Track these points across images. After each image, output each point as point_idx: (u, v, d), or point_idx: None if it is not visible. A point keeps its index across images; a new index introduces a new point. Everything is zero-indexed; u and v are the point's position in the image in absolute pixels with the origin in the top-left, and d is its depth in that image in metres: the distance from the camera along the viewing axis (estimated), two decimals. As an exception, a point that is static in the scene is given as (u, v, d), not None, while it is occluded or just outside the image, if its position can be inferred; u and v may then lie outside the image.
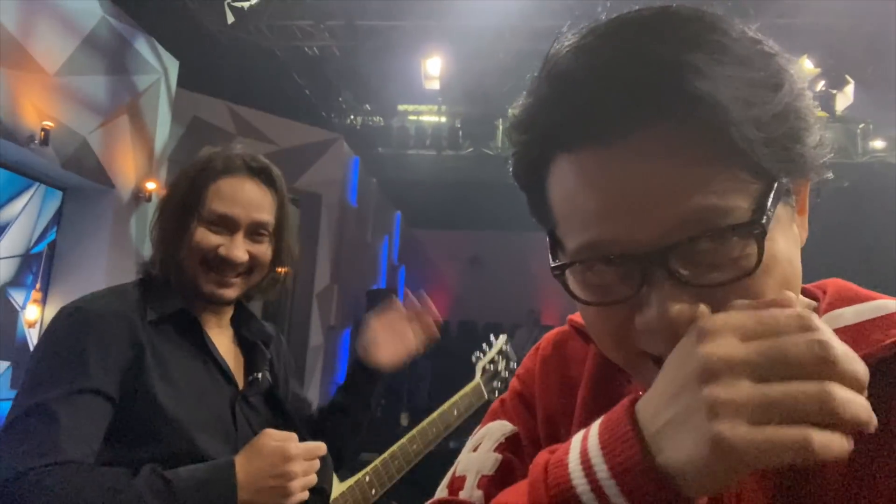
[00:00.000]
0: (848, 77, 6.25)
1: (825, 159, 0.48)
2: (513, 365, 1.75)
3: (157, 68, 5.31)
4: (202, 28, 5.50)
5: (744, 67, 0.42)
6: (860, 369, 0.35)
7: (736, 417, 0.34)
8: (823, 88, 6.45)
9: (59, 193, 4.81)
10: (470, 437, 0.68)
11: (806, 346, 0.35)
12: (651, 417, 0.38)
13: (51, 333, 1.05)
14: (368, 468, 1.37)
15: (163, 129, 5.42)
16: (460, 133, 8.47)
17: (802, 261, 0.48)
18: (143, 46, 5.13)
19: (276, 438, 1.06)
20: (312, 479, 1.09)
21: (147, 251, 1.24)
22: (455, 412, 1.52)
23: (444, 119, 9.02)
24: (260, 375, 1.22)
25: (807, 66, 6.30)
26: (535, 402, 0.66)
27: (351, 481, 1.34)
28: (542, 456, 0.44)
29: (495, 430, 0.66)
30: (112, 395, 1.02)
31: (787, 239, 0.45)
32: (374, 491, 1.36)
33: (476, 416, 1.56)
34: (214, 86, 6.19)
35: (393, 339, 1.33)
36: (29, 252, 4.57)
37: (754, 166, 0.42)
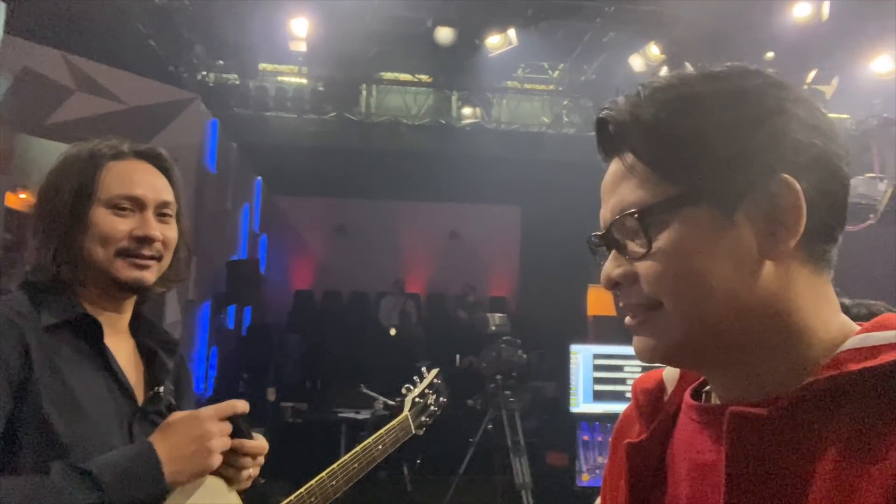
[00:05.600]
0: (688, 64, 6.79)
1: (773, 184, 0.57)
2: (443, 400, 1.67)
3: (-23, 9, 4.67)
4: (31, -33, 4.90)
5: (667, 114, 0.60)
6: None
7: None
8: (667, 73, 6.99)
9: None
10: None
11: None
12: None
13: None
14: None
15: (-14, 79, 4.80)
16: (323, 97, 8.25)
17: None
18: (-43, -17, 4.48)
19: (183, 412, 1.04)
20: (227, 440, 1.04)
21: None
22: (380, 447, 1.43)
23: (305, 81, 8.72)
24: (161, 389, 1.14)
25: (653, 52, 6.78)
26: None
27: None
28: None
29: None
30: (4, 404, 0.93)
31: (697, 241, 0.58)
32: None
33: (401, 450, 1.52)
34: (48, 33, 5.56)
35: None
36: None
37: (662, 180, 0.59)
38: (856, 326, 0.59)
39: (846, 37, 6.25)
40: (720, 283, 0.57)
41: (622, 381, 4.14)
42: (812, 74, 6.78)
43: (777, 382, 0.57)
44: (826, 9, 5.85)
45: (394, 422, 1.50)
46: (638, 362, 4.21)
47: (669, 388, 0.70)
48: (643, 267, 0.60)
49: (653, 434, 0.67)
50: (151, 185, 1.13)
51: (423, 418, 1.58)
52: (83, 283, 1.09)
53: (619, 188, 0.62)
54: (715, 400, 0.64)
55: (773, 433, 0.54)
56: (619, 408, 4.20)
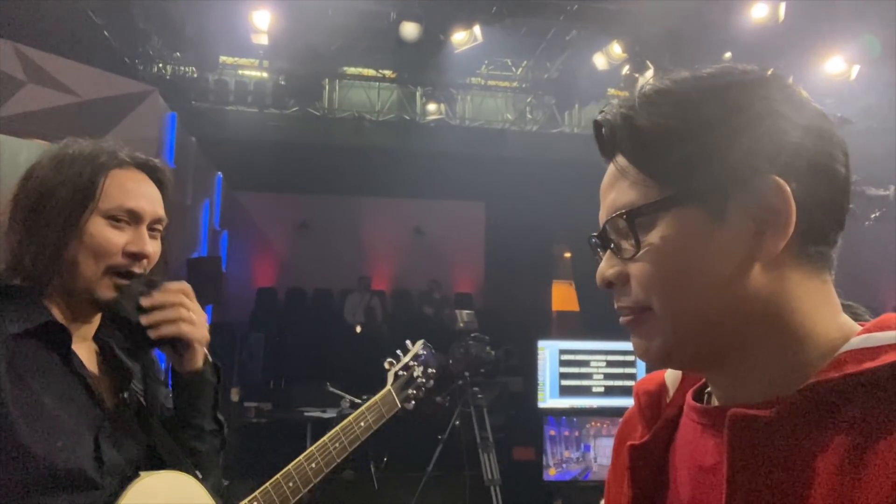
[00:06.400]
0: (649, 63, 6.91)
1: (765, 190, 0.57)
2: (431, 370, 1.58)
3: (-81, -4, 4.47)
4: (-22, -47, 4.71)
5: (656, 116, 0.60)
6: None
7: None
8: (629, 72, 7.10)
9: None
10: None
11: None
12: None
13: None
14: (258, 491, 1.21)
15: (-71, 69, 4.59)
16: (285, 91, 8.14)
17: None
18: None
19: None
20: None
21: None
22: (362, 424, 1.34)
23: (266, 75, 8.59)
24: (126, 395, 1.10)
25: (616, 50, 6.88)
26: None
27: None
28: None
29: None
30: None
31: (685, 242, 0.58)
32: None
33: (386, 427, 1.40)
34: (-4, 22, 5.35)
35: None
36: None
37: (652, 182, 0.59)
38: (857, 327, 0.59)
39: (801, 38, 6.42)
40: (709, 285, 0.57)
41: (588, 377, 4.18)
42: (768, 74, 6.94)
43: (777, 384, 0.57)
44: (783, 10, 6.00)
45: (376, 397, 1.41)
46: (604, 358, 4.28)
47: (671, 390, 0.69)
48: (634, 268, 0.60)
49: (655, 436, 0.67)
50: (150, 198, 1.10)
51: (409, 391, 1.50)
52: (57, 289, 1.04)
53: (613, 189, 0.63)
54: (716, 402, 0.64)
55: (774, 435, 0.54)
56: (584, 403, 4.25)
